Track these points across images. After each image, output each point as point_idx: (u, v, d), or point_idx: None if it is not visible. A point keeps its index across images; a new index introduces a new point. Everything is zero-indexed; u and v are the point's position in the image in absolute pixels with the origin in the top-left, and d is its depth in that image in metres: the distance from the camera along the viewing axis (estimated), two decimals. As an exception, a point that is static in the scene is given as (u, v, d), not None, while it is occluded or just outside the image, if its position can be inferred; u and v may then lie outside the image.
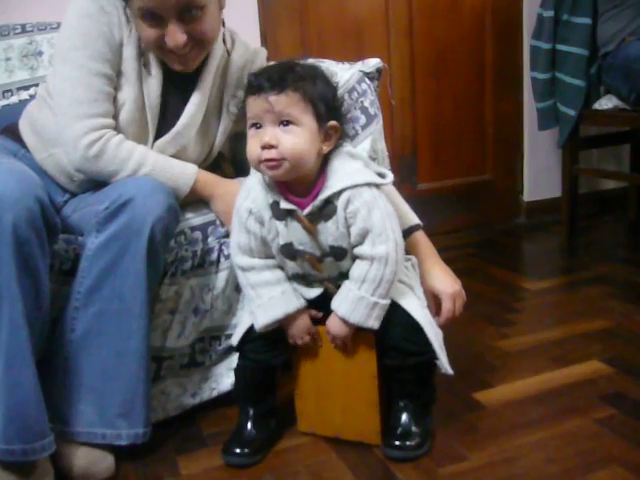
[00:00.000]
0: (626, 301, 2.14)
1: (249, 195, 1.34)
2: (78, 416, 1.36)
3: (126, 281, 1.34)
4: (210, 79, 1.56)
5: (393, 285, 1.31)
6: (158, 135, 1.53)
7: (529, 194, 3.14)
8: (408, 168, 2.90)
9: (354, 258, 1.33)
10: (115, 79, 1.48)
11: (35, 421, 1.25)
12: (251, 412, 1.44)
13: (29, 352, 1.25)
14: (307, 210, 1.29)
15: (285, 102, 1.22)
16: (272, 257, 1.36)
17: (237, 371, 1.47)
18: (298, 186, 1.30)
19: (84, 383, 1.36)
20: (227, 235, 1.55)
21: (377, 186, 1.30)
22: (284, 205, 1.29)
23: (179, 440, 1.51)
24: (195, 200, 1.54)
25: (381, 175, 1.32)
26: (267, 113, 1.23)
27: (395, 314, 1.33)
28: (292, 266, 1.35)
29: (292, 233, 1.31)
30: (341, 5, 2.69)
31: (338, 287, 1.35)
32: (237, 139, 1.73)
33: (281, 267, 1.37)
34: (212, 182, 1.54)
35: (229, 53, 1.60)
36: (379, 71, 1.75)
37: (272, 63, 1.33)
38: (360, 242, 1.30)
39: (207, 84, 1.55)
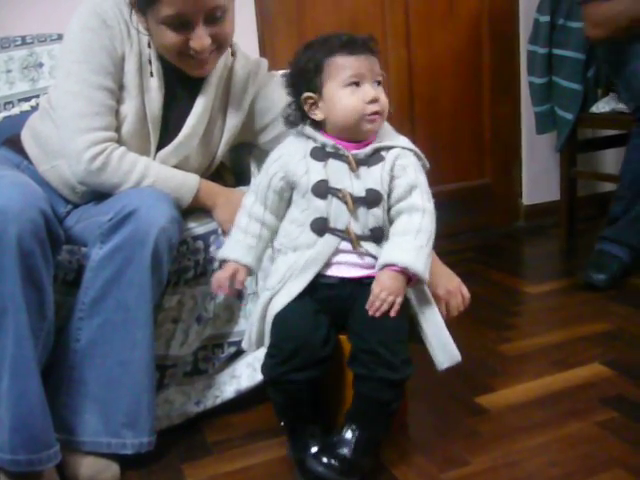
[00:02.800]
0: (626, 304, 2.15)
1: (285, 145, 1.42)
2: (83, 425, 1.38)
3: (130, 291, 1.35)
4: (212, 90, 1.57)
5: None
6: (160, 146, 1.55)
7: (528, 198, 3.15)
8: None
9: (383, 214, 1.34)
10: (117, 92, 1.49)
11: (41, 431, 1.27)
12: (317, 429, 1.36)
13: (34, 363, 1.26)
14: (355, 152, 1.35)
15: (378, 63, 1.36)
16: (271, 210, 1.40)
17: (281, 400, 1.35)
18: (349, 139, 1.37)
19: (89, 393, 1.38)
20: (229, 244, 1.57)
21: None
22: (333, 144, 1.35)
23: (184, 448, 1.51)
24: (197, 209, 1.55)
25: None
26: (368, 72, 1.33)
27: (381, 320, 1.28)
28: (318, 206, 1.34)
29: (329, 172, 1.35)
30: (338, 12, 2.70)
31: (359, 246, 1.34)
32: (239, 149, 1.75)
33: (301, 225, 1.36)
34: (214, 191, 1.56)
35: (233, 59, 1.62)
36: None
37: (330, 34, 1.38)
38: (406, 195, 1.34)
39: (209, 95, 1.57)
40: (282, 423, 1.38)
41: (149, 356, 1.39)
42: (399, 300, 1.29)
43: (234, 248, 1.40)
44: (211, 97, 1.58)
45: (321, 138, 1.36)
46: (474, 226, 3.09)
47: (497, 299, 2.28)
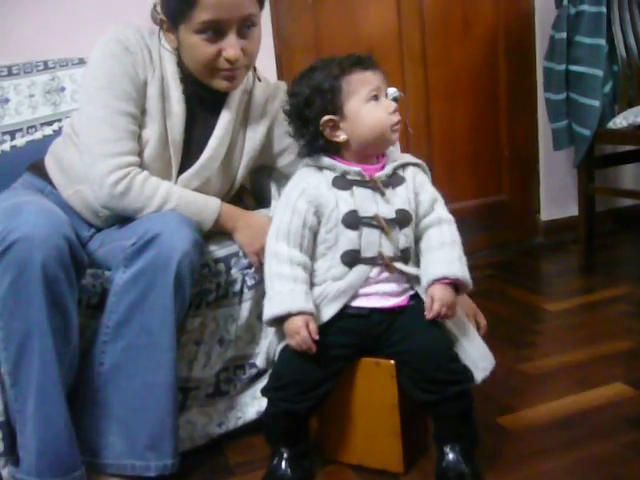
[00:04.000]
0: (647, 321, 2.14)
1: (303, 178, 1.40)
2: (108, 448, 1.39)
3: (154, 315, 1.37)
4: (232, 113, 1.59)
5: None
6: (182, 169, 1.56)
7: (546, 214, 3.14)
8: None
9: (412, 232, 1.40)
10: (140, 117, 1.51)
11: (67, 454, 1.29)
12: (285, 454, 1.40)
13: (60, 386, 1.28)
14: (378, 174, 1.38)
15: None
16: (307, 251, 1.37)
17: (268, 417, 1.43)
18: (369, 159, 1.41)
19: (113, 415, 1.39)
20: (250, 266, 1.58)
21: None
22: (357, 170, 1.37)
23: (206, 470, 1.52)
24: (219, 232, 1.57)
25: None
26: (383, 85, 1.39)
27: (428, 346, 1.33)
28: (350, 237, 1.34)
29: (357, 200, 1.35)
30: (355, 32, 2.73)
31: (390, 268, 1.36)
32: (258, 172, 1.76)
33: (329, 259, 1.36)
34: (235, 215, 1.57)
35: (259, 79, 1.64)
36: (396, 99, 1.78)
37: (320, 61, 1.42)
38: (430, 210, 1.42)
39: (229, 118, 1.58)
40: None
41: (172, 379, 1.40)
42: (454, 304, 1.36)
43: (293, 299, 1.31)
44: (231, 120, 1.59)
45: (341, 166, 1.38)
46: (492, 243, 3.08)
47: (517, 317, 2.27)
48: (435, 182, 2.88)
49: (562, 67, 2.59)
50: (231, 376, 1.62)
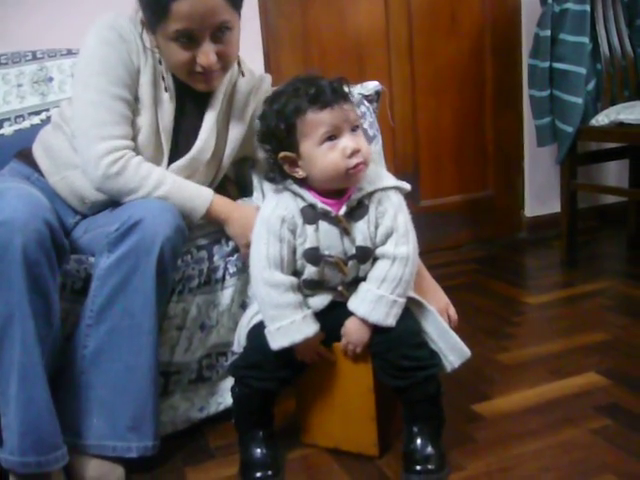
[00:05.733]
0: (624, 314, 2.18)
1: (279, 203, 1.37)
2: (90, 429, 1.42)
3: (136, 299, 1.39)
4: (218, 104, 1.62)
5: (410, 286, 1.38)
6: (171, 158, 1.59)
7: (530, 209, 3.19)
8: (410, 185, 2.93)
9: (374, 261, 1.39)
10: (133, 104, 1.54)
11: (49, 434, 1.31)
12: (260, 434, 1.44)
13: (41, 368, 1.30)
14: (343, 209, 1.34)
15: (353, 109, 1.33)
16: (293, 273, 1.38)
17: (237, 398, 1.46)
18: (332, 194, 1.36)
19: (96, 397, 1.42)
20: (232, 254, 1.62)
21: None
22: (321, 206, 1.34)
23: (187, 452, 1.56)
24: (208, 223, 1.59)
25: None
26: (344, 122, 1.30)
27: (395, 335, 1.36)
28: (311, 271, 1.37)
29: (321, 237, 1.35)
30: (342, 27, 2.76)
31: (350, 293, 1.40)
32: (241, 162, 1.79)
33: (297, 275, 1.39)
34: (228, 206, 1.59)
35: (243, 74, 1.66)
36: (378, 93, 1.81)
37: (300, 77, 1.37)
38: (383, 242, 1.37)
39: (216, 108, 1.62)
40: (233, 421, 1.48)
41: (154, 362, 1.43)
42: (364, 344, 1.38)
43: (308, 325, 1.36)
44: (218, 112, 1.62)
45: (309, 198, 1.35)
46: (476, 238, 3.13)
47: (497, 309, 2.31)
48: (420, 177, 2.96)
49: (546, 64, 2.62)
50: (213, 362, 1.65)
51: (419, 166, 2.99)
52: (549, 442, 1.47)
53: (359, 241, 1.36)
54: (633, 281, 2.49)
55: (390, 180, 1.40)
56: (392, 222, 1.36)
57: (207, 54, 1.46)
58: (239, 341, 1.49)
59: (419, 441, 1.38)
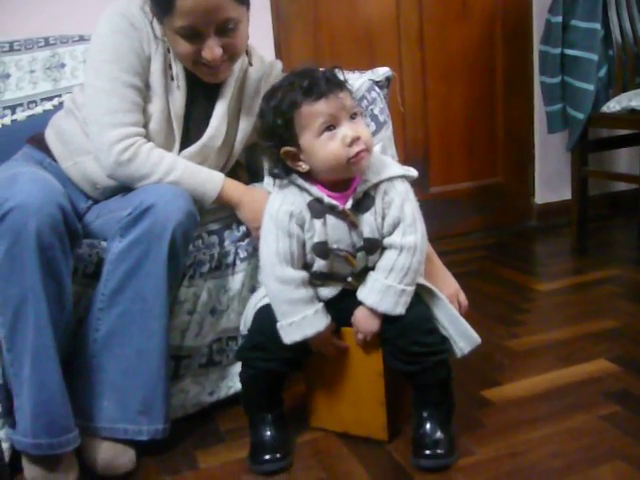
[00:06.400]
0: (634, 301, 2.18)
1: (286, 199, 1.36)
2: (101, 412, 1.43)
3: (148, 283, 1.40)
4: (230, 91, 1.62)
5: (418, 274, 1.38)
6: (182, 146, 1.60)
7: (540, 197, 3.18)
8: (420, 172, 2.90)
9: (382, 252, 1.38)
10: (144, 91, 1.54)
11: (61, 416, 1.33)
12: (269, 417, 1.45)
13: (54, 351, 1.32)
14: (349, 203, 1.33)
15: (349, 96, 1.31)
16: (304, 266, 1.38)
17: (244, 380, 1.47)
18: (338, 185, 1.35)
19: (107, 380, 1.43)
20: (242, 239, 1.62)
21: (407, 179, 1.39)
22: (328, 201, 1.33)
23: (197, 436, 1.57)
24: (220, 207, 1.60)
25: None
26: (341, 110, 1.28)
27: (406, 321, 1.37)
28: (321, 264, 1.38)
29: (329, 230, 1.35)
30: (353, 13, 2.75)
31: (360, 283, 1.40)
32: (252, 148, 1.79)
33: (306, 267, 1.39)
34: (239, 189, 1.59)
35: (251, 64, 1.66)
36: (388, 79, 1.81)
37: (296, 70, 1.36)
38: (391, 232, 1.36)
39: (227, 96, 1.62)
40: (242, 404, 1.50)
41: (164, 346, 1.44)
42: (374, 332, 1.39)
43: (320, 319, 1.37)
44: (230, 98, 1.63)
45: (316, 192, 1.34)
46: (486, 225, 3.12)
47: (507, 296, 2.31)
48: (430, 164, 2.95)
49: (557, 51, 2.61)
50: (223, 347, 1.66)
51: (429, 153, 2.98)
52: (558, 428, 1.48)
53: (366, 233, 1.36)
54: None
55: (395, 169, 1.38)
56: (399, 212, 1.35)
57: (212, 49, 1.46)
58: (245, 323, 1.50)
59: (429, 426, 1.39)
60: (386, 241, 1.37)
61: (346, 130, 1.28)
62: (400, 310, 1.35)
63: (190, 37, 1.46)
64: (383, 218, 1.36)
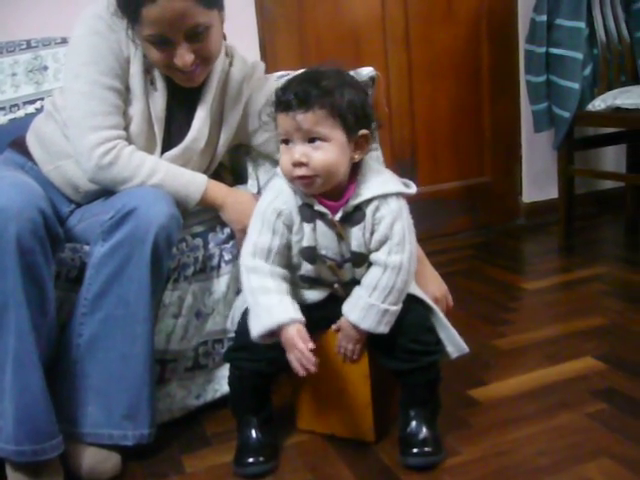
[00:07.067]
0: (621, 299, 2.18)
1: (279, 197, 1.34)
2: (86, 417, 1.42)
3: (131, 287, 1.39)
4: (212, 93, 1.61)
5: (403, 294, 1.36)
6: (164, 148, 1.59)
7: (528, 195, 3.18)
8: (407, 172, 2.94)
9: (369, 266, 1.37)
10: (124, 93, 1.53)
11: (44, 422, 1.31)
12: (255, 420, 1.45)
13: (36, 357, 1.30)
14: (338, 215, 1.32)
15: (312, 120, 1.24)
16: (285, 266, 1.37)
17: (231, 381, 1.47)
18: (330, 191, 1.33)
19: (91, 386, 1.42)
20: (227, 241, 1.62)
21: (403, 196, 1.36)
22: (318, 208, 1.32)
23: (184, 440, 1.56)
24: (204, 209, 1.59)
25: (405, 184, 1.37)
26: (296, 131, 1.25)
27: (404, 317, 1.36)
28: (308, 269, 1.37)
29: (318, 236, 1.34)
30: (338, 13, 2.75)
31: (347, 292, 1.39)
32: (236, 150, 1.79)
33: (293, 269, 1.38)
34: (223, 191, 1.59)
35: (230, 66, 1.65)
36: (372, 79, 1.80)
37: (299, 72, 1.34)
38: (377, 248, 1.35)
39: (209, 98, 1.61)
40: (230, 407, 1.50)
41: (149, 350, 1.43)
42: (358, 346, 1.39)
43: (284, 310, 1.30)
44: (211, 100, 1.61)
45: (303, 194, 1.33)
46: (474, 224, 3.12)
47: (495, 295, 2.31)
48: (417, 164, 2.95)
49: (542, 50, 2.61)
50: (209, 350, 1.65)
51: (416, 153, 2.98)
52: (545, 426, 1.48)
53: (354, 246, 1.35)
54: (630, 266, 2.49)
55: (391, 185, 1.34)
56: (388, 230, 1.32)
57: (183, 56, 1.45)
58: (232, 321, 1.50)
59: (416, 425, 1.39)
60: (372, 257, 1.36)
61: (295, 150, 1.26)
62: (383, 329, 1.34)
63: (160, 44, 1.44)
64: (372, 234, 1.34)
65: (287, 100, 1.25)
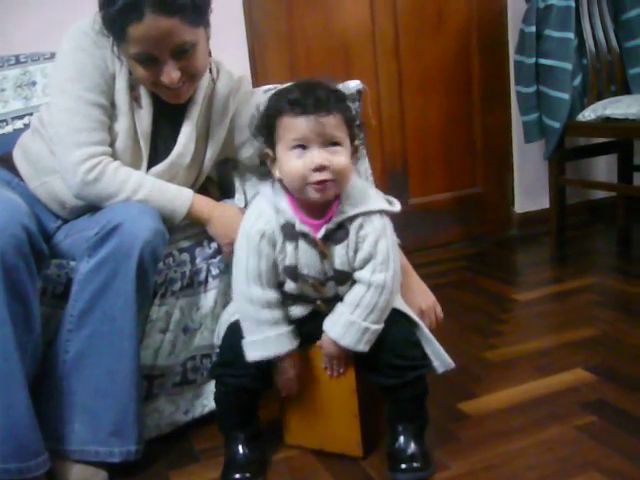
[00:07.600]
0: (613, 309, 2.18)
1: (260, 217, 1.34)
2: (72, 434, 1.41)
3: (117, 303, 1.39)
4: (197, 108, 1.61)
5: (385, 313, 1.35)
6: (150, 163, 1.58)
7: (520, 206, 3.18)
8: (399, 184, 2.95)
9: (353, 284, 1.37)
10: (110, 109, 1.53)
11: (30, 440, 1.30)
12: (241, 436, 1.44)
13: (21, 374, 1.30)
14: (321, 233, 1.31)
15: (333, 124, 1.25)
16: (276, 284, 1.37)
17: (217, 398, 1.46)
18: (313, 208, 1.32)
19: (78, 402, 1.41)
20: (214, 255, 1.61)
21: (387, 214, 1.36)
22: (299, 227, 1.31)
23: (172, 456, 1.55)
24: (190, 224, 1.59)
25: (388, 202, 1.37)
26: (316, 135, 1.24)
27: (389, 332, 1.36)
28: (291, 286, 1.37)
29: (300, 255, 1.34)
30: (328, 26, 2.75)
31: (329, 308, 1.39)
32: (223, 164, 1.78)
33: (280, 284, 1.38)
34: (209, 205, 1.58)
35: (214, 82, 1.65)
36: (359, 92, 1.80)
37: (291, 83, 1.34)
38: (362, 267, 1.34)
39: (195, 113, 1.60)
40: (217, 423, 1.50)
41: (135, 366, 1.42)
42: (343, 361, 1.40)
43: (280, 343, 1.36)
44: (197, 115, 1.61)
45: (289, 216, 1.32)
46: (466, 235, 3.12)
47: (486, 306, 2.31)
48: (409, 175, 2.95)
49: (532, 60, 2.62)
50: (198, 365, 1.64)
51: (407, 164, 2.98)
52: (534, 440, 1.47)
53: (337, 265, 1.34)
54: (622, 276, 2.48)
55: (376, 203, 1.34)
56: (372, 248, 1.32)
57: (169, 74, 1.44)
58: (218, 336, 1.49)
59: (404, 440, 1.38)
60: (356, 275, 1.35)
61: (314, 155, 1.25)
62: (362, 348, 1.34)
63: (146, 62, 1.44)
64: (355, 252, 1.34)
65: (308, 102, 1.24)
